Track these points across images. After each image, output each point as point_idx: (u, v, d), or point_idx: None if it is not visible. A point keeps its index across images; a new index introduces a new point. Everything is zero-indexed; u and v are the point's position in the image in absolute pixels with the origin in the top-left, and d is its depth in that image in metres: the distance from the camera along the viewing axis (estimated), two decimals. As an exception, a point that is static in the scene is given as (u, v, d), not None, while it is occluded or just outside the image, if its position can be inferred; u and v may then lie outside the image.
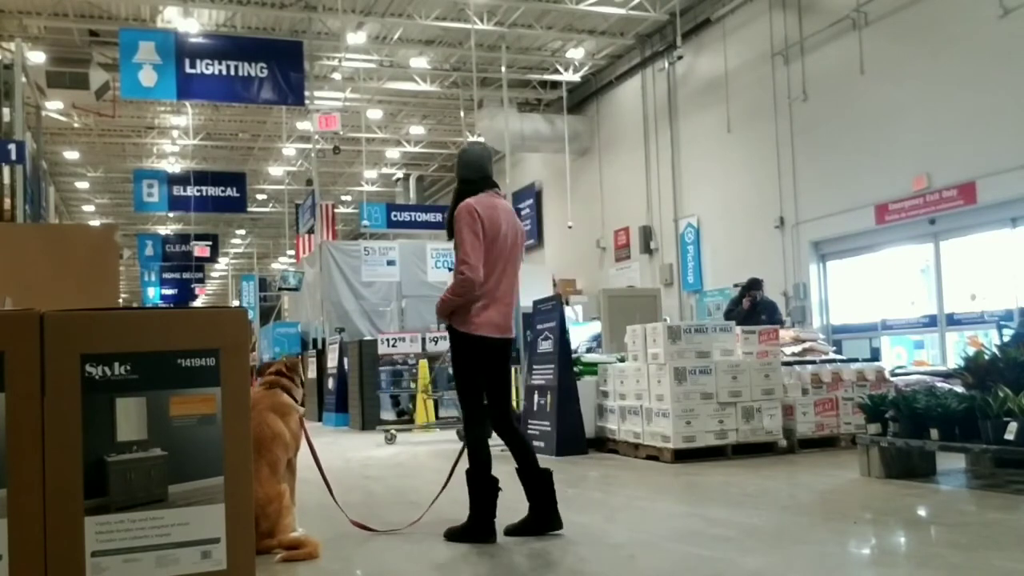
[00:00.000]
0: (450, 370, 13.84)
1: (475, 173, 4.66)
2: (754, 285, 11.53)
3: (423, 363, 13.40)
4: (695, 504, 5.43)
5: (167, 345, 3.02)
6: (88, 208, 33.18)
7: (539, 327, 9.28)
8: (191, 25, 17.03)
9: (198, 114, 23.70)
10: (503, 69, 14.13)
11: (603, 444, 8.68)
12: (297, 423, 4.50)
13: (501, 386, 4.61)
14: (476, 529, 4.41)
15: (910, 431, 5.85)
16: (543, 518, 4.48)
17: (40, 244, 4.15)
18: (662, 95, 19.60)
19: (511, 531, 4.50)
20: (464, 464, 4.57)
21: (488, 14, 17.96)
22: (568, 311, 13.99)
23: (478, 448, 4.46)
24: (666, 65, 19.20)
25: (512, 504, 4.54)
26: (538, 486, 4.50)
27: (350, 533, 4.65)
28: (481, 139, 21.42)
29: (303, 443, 4.58)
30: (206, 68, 15.61)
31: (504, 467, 4.54)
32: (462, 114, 22.29)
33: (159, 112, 23.64)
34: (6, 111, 13.25)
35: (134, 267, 31.75)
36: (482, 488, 4.41)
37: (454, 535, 4.45)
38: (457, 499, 4.70)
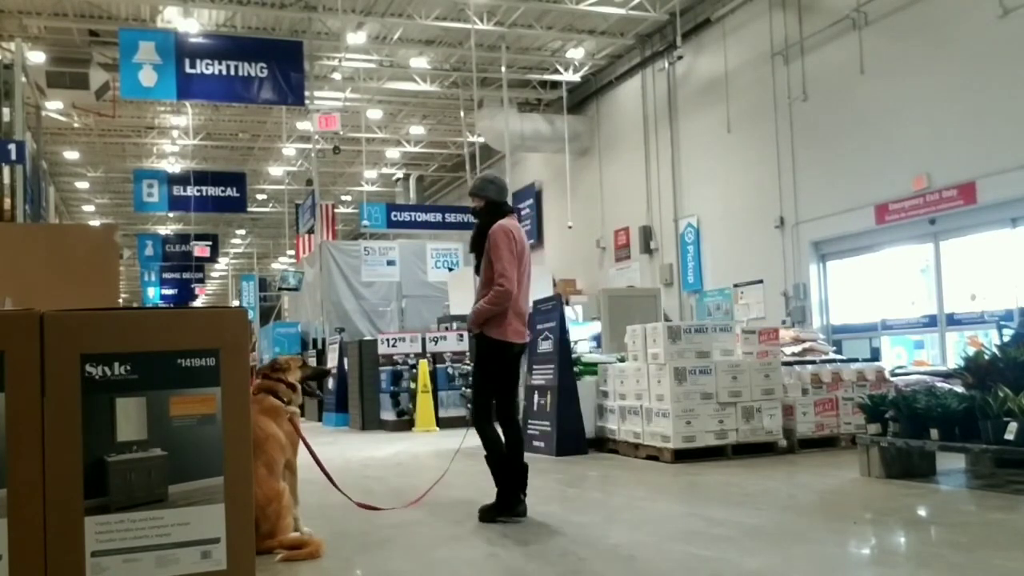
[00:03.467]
0: (451, 370, 13.91)
1: (502, 196, 5.40)
2: None
3: (423, 363, 13.41)
4: (695, 504, 5.43)
5: (167, 345, 3.02)
6: (88, 208, 33.16)
7: (539, 327, 9.29)
8: (191, 25, 17.01)
9: (198, 114, 23.68)
10: (503, 69, 14.11)
11: (603, 444, 8.68)
12: (288, 423, 4.54)
13: (514, 384, 5.33)
14: (504, 504, 4.97)
15: (910, 431, 5.85)
16: (509, 502, 4.98)
17: (40, 244, 4.15)
18: (662, 95, 19.58)
19: (482, 514, 5.01)
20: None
21: (488, 14, 17.95)
22: (568, 311, 13.98)
23: (490, 434, 5.09)
24: (666, 65, 19.18)
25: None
26: (515, 475, 5.05)
27: (351, 533, 4.65)
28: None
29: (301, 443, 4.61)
30: (206, 68, 15.61)
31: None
32: (462, 114, 22.27)
33: (159, 112, 23.62)
34: (6, 111, 13.25)
35: (134, 267, 31.76)
36: (501, 466, 5.02)
37: (487, 513, 4.96)
38: (457, 496, 4.70)
